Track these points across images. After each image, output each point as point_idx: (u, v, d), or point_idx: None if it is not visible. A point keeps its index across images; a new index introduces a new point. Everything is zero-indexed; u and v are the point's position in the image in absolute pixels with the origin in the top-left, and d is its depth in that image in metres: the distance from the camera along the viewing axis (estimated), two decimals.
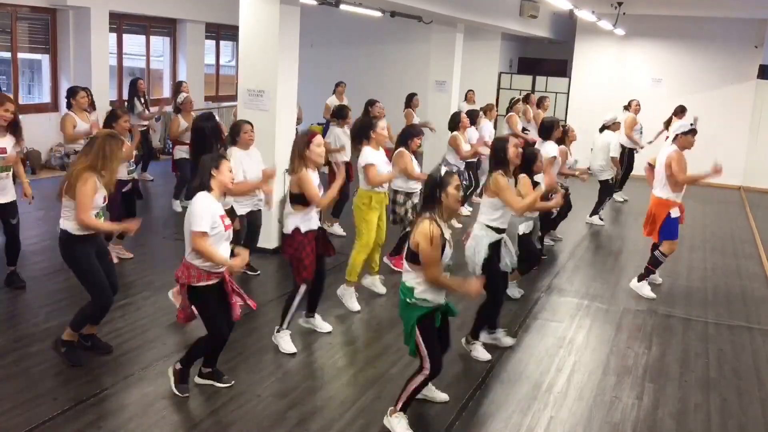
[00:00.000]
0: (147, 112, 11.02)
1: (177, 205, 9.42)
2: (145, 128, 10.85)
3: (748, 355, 6.07)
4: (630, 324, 6.58)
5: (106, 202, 4.98)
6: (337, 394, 4.90)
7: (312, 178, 5.30)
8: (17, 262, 6.41)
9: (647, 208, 7.38)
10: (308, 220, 5.35)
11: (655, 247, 7.45)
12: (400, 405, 4.38)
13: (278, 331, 5.50)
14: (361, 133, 6.47)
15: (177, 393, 4.66)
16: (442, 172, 4.33)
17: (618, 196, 12.22)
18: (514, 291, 6.94)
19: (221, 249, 4.46)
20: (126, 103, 10.92)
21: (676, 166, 6.87)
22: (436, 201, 4.22)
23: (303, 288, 5.38)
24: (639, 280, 7.43)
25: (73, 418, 4.33)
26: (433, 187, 4.24)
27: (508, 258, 5.66)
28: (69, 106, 8.05)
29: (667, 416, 4.90)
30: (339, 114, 8.80)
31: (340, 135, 8.62)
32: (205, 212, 4.35)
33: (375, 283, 6.86)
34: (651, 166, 7.95)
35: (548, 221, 8.66)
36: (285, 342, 5.47)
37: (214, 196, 4.47)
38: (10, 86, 11.18)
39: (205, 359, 4.83)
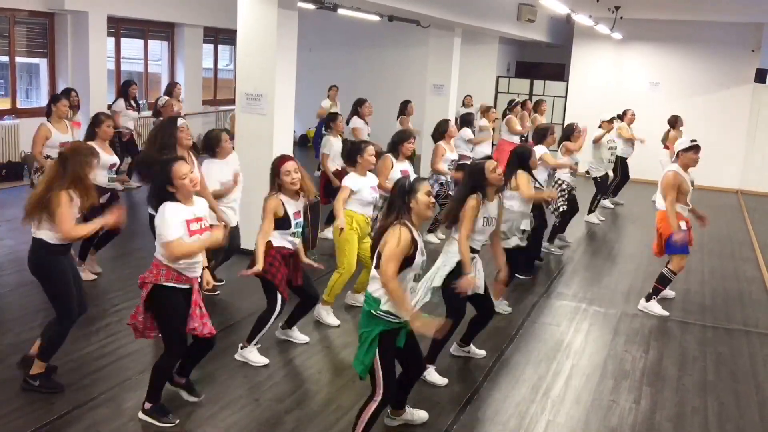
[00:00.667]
0: (135, 113, 10.92)
1: None
2: (129, 133, 10.74)
3: (745, 358, 6.08)
4: (627, 328, 6.58)
5: (80, 215, 4.67)
6: (333, 398, 4.89)
7: (279, 205, 5.12)
8: None
9: (653, 218, 7.19)
10: (283, 239, 5.20)
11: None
12: None
13: (242, 348, 5.31)
14: (349, 157, 6.30)
15: (161, 426, 4.35)
16: (412, 179, 4.19)
17: (609, 202, 12.21)
18: (503, 307, 6.66)
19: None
20: (112, 103, 10.87)
21: (667, 188, 6.61)
22: (405, 207, 3.99)
23: (278, 307, 5.19)
24: (647, 300, 7.06)
25: (70, 423, 4.32)
26: (402, 193, 4.03)
27: (481, 280, 5.23)
28: (49, 113, 7.62)
29: (665, 420, 4.89)
30: (330, 121, 8.84)
31: (335, 143, 8.62)
32: (174, 218, 4.14)
33: (357, 298, 6.58)
34: None
35: (557, 225, 8.76)
36: (253, 355, 5.29)
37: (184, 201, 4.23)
38: (8, 90, 11.18)
39: (178, 370, 4.57)
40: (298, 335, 5.76)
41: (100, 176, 6.40)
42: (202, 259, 4.41)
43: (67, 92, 9.46)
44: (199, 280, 4.41)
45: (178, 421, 4.38)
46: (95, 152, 4.73)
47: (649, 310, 7.00)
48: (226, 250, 6.45)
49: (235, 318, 6.17)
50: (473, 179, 5.16)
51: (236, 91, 7.91)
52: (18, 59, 11.27)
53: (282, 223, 5.14)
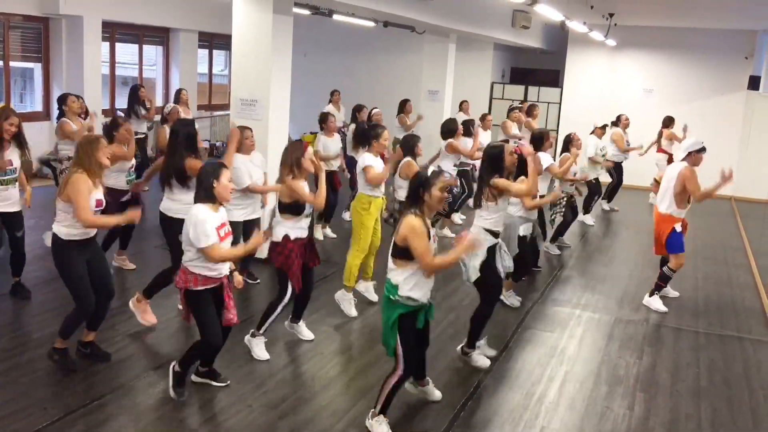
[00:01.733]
0: (146, 118, 10.86)
1: None
2: (143, 136, 10.72)
3: (738, 364, 6.09)
4: (622, 334, 6.59)
5: (100, 207, 4.95)
6: (328, 404, 4.89)
7: (302, 185, 5.35)
8: (22, 272, 6.43)
9: (647, 224, 7.39)
10: (298, 228, 5.38)
11: (663, 262, 7.39)
12: (378, 407, 4.42)
13: (254, 336, 5.48)
14: (363, 139, 6.54)
15: (173, 395, 4.68)
16: (429, 172, 4.37)
17: (606, 206, 12.31)
18: (512, 300, 6.97)
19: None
20: (126, 111, 10.79)
21: (691, 184, 6.78)
22: (419, 199, 4.25)
23: (287, 296, 5.38)
24: (650, 296, 7.37)
25: (63, 428, 4.31)
26: (419, 185, 4.27)
27: (506, 261, 5.67)
28: (62, 113, 8.02)
29: (659, 426, 4.90)
30: (322, 121, 8.96)
31: (329, 144, 8.74)
32: (208, 225, 4.41)
33: (369, 289, 6.85)
34: (657, 183, 8.00)
35: (558, 228, 9.03)
36: (259, 348, 5.45)
37: (212, 207, 4.49)
38: (2, 95, 11.15)
39: (201, 360, 4.90)
40: (304, 331, 5.86)
41: (119, 178, 6.69)
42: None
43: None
44: (229, 276, 4.74)
45: (183, 399, 4.69)
46: (100, 142, 4.95)
47: (650, 305, 7.29)
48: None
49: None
50: (492, 162, 5.48)
51: (231, 97, 7.92)
52: (12, 63, 11.26)
53: (296, 208, 5.32)
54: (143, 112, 10.60)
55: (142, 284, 6.01)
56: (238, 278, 4.93)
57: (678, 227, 7.02)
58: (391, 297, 4.27)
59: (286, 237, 5.32)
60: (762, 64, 14.78)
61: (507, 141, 8.68)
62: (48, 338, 5.28)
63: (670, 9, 13.27)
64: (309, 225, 5.57)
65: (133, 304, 5.94)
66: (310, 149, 5.42)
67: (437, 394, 4.97)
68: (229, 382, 4.97)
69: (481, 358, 5.64)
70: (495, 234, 5.56)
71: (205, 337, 4.62)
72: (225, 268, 4.66)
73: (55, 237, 4.89)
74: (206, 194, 4.47)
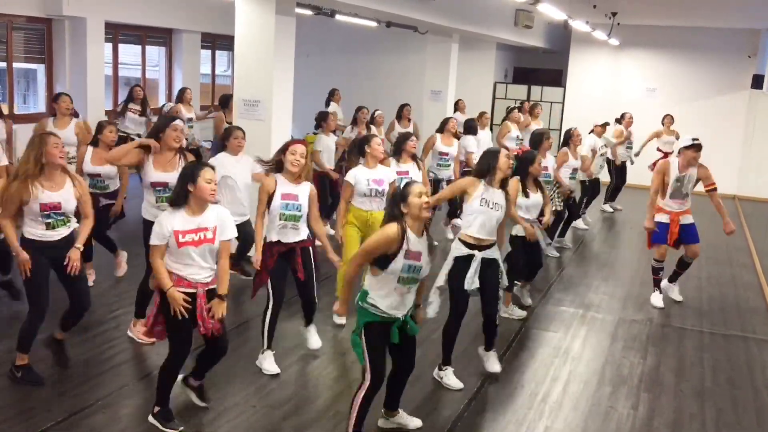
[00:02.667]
0: (143, 117, 10.82)
1: None
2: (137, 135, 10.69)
3: (743, 364, 6.08)
4: (625, 334, 6.58)
5: (56, 210, 4.71)
6: (331, 405, 4.88)
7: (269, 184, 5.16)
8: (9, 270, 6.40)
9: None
10: (272, 231, 5.17)
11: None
12: (351, 428, 4.14)
13: (262, 353, 5.32)
14: (358, 150, 6.36)
15: (167, 430, 4.39)
16: (401, 185, 4.23)
17: (608, 207, 12.27)
18: (517, 312, 6.75)
19: (186, 261, 4.26)
20: (121, 111, 10.77)
21: (654, 179, 7.26)
22: (399, 214, 4.04)
23: (268, 304, 5.20)
24: (669, 282, 7.62)
25: (67, 429, 4.31)
26: (394, 202, 4.11)
27: (472, 277, 5.15)
28: (54, 113, 7.97)
29: (663, 426, 4.89)
30: (321, 120, 8.97)
31: (329, 143, 8.82)
32: (161, 225, 4.22)
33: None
34: None
35: (563, 228, 9.14)
36: (267, 363, 5.26)
37: (188, 210, 4.24)
38: (5, 96, 11.16)
39: (193, 372, 4.66)
40: (310, 338, 5.64)
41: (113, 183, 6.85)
42: (208, 265, 4.34)
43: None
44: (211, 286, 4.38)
45: (182, 429, 4.36)
46: (44, 140, 4.68)
47: (669, 290, 7.57)
48: (240, 246, 6.73)
49: (239, 320, 6.16)
50: (485, 160, 5.26)
51: (234, 97, 7.92)
52: (15, 65, 11.26)
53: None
54: (131, 116, 10.43)
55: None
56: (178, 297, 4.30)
57: (662, 218, 7.15)
58: (360, 303, 4.12)
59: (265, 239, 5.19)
60: (765, 63, 14.71)
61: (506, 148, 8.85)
62: (51, 340, 5.28)
63: (673, 8, 13.27)
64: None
65: (131, 330, 5.69)
66: (296, 146, 5.17)
67: (415, 422, 4.60)
68: (210, 404, 4.71)
69: (453, 379, 5.25)
70: (470, 245, 5.18)
71: (172, 349, 4.36)
72: (204, 273, 4.32)
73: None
74: (178, 199, 4.24)
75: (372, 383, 4.09)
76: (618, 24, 13.83)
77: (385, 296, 4.06)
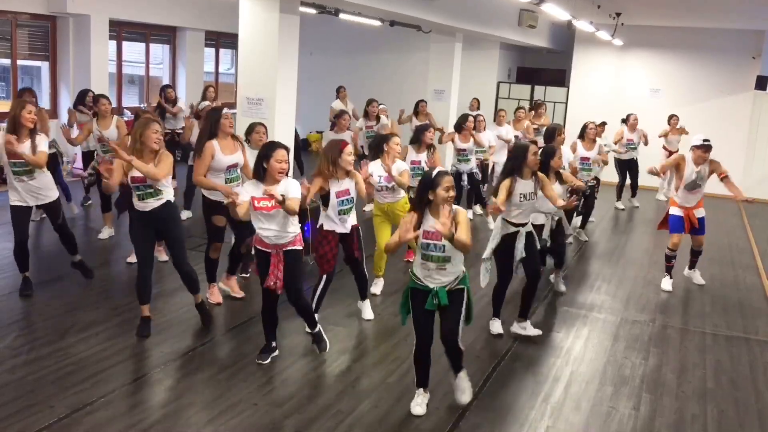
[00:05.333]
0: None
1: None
2: (180, 132, 10.61)
3: (745, 365, 6.07)
4: (627, 334, 6.58)
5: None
6: (333, 403, 4.89)
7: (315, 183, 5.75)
8: (77, 250, 6.76)
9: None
10: (328, 221, 5.82)
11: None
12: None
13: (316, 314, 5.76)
14: (377, 149, 6.72)
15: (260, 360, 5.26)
16: (434, 173, 4.45)
17: (620, 204, 12.37)
18: (531, 330, 6.57)
19: (262, 224, 5.07)
20: (158, 112, 10.64)
21: (669, 159, 8.13)
22: (425, 200, 4.43)
23: (323, 279, 5.87)
24: (689, 268, 8.32)
25: (70, 426, 4.32)
26: (424, 186, 4.44)
27: (521, 250, 5.94)
28: (95, 114, 8.34)
29: (664, 427, 4.89)
30: (337, 117, 9.19)
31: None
32: (242, 190, 5.15)
33: (377, 282, 7.08)
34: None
35: (583, 220, 9.71)
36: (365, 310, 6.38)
37: (265, 183, 4.98)
38: (10, 93, 11.19)
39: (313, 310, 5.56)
40: (366, 310, 6.45)
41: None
42: (280, 229, 5.05)
43: (85, 93, 9.67)
44: (288, 248, 5.11)
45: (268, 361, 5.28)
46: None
47: (691, 276, 8.29)
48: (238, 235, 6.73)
49: (242, 318, 6.18)
50: (515, 156, 5.88)
51: (237, 95, 7.93)
52: (20, 62, 11.30)
53: (324, 198, 5.79)
54: (170, 108, 10.51)
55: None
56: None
57: (674, 210, 7.73)
58: (411, 270, 4.67)
59: (320, 227, 5.86)
60: None
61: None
62: (55, 336, 5.30)
63: (677, 9, 13.26)
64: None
65: (223, 281, 6.60)
66: (348, 148, 5.70)
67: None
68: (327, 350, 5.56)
69: (531, 328, 6.20)
70: (516, 224, 5.92)
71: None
72: (276, 238, 5.04)
73: None
74: (257, 173, 5.04)
75: (416, 342, 4.65)
76: (622, 24, 13.81)
77: (419, 265, 4.57)
